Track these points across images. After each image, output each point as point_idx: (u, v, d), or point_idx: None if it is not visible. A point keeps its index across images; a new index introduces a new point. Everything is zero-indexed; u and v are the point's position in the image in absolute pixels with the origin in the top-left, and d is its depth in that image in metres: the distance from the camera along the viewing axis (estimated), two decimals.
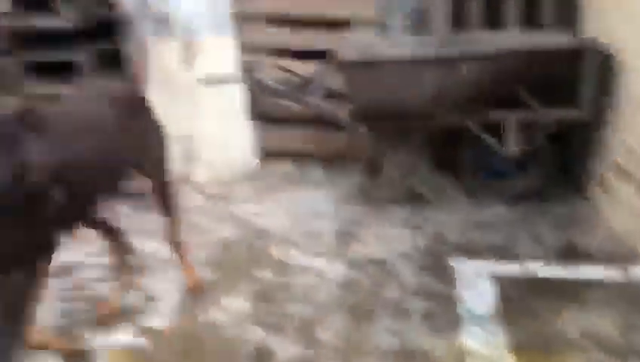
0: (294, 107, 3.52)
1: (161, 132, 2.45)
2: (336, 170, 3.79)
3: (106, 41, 3.74)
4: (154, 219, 2.67)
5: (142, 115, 2.36)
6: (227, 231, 3.16)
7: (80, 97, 2.41)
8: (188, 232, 2.82)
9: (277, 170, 3.85)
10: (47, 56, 3.75)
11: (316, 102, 3.36)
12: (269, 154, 3.91)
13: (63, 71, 3.71)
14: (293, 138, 3.91)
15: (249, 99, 3.77)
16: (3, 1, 3.73)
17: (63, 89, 3.64)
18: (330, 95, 3.45)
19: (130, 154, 2.24)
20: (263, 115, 3.85)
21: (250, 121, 3.85)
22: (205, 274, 2.70)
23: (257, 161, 3.90)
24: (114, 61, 3.73)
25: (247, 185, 3.68)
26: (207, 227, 3.20)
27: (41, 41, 3.75)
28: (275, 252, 2.91)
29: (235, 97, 3.71)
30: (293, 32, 3.77)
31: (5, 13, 3.74)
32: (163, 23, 3.47)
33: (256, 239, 3.06)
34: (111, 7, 3.67)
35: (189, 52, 3.51)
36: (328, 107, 3.38)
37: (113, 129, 2.11)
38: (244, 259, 2.88)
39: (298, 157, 3.89)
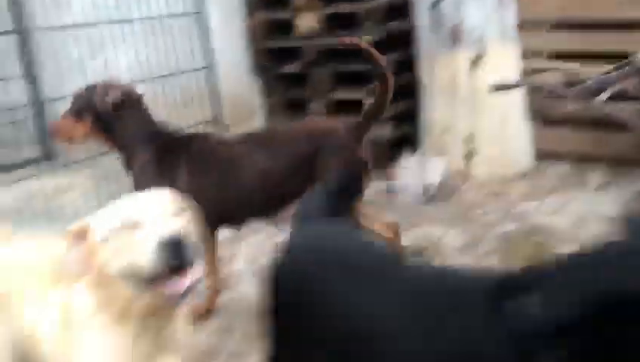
0: (576, 109, 3.59)
1: (346, 167, 2.52)
2: (619, 173, 3.74)
3: (400, 51, 4.25)
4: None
5: (315, 153, 2.51)
6: (508, 226, 3.38)
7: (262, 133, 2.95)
8: (470, 225, 3.17)
9: (555, 171, 3.95)
10: (349, 66, 4.40)
11: (602, 105, 3.38)
12: (547, 155, 4.02)
13: (362, 79, 4.32)
14: (572, 139, 3.95)
15: (529, 101, 3.94)
16: (315, 21, 4.48)
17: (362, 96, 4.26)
18: (619, 97, 3.43)
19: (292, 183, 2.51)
20: (542, 116, 3.98)
21: (529, 122, 4.01)
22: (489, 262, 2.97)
23: (535, 160, 4.04)
24: (406, 70, 4.23)
25: (525, 184, 3.86)
26: (488, 222, 3.47)
27: (345, 54, 4.41)
28: (561, 250, 3.05)
29: (516, 99, 3.90)
30: (580, 35, 3.82)
31: (317, 31, 4.49)
32: (453, 34, 3.82)
33: (538, 235, 3.23)
34: (406, 20, 4.16)
35: (476, 60, 3.81)
36: (615, 110, 3.38)
37: (269, 159, 2.53)
38: (529, 253, 3.09)
39: (576, 158, 3.93)
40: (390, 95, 2.58)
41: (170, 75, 4.43)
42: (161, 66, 4.51)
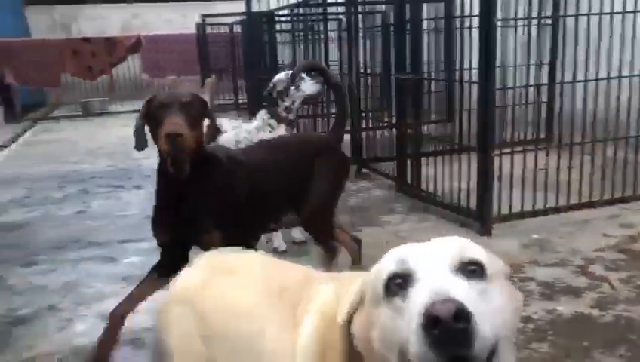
0: None
1: (331, 182, 2.83)
2: None
3: None
4: None
5: (308, 163, 2.78)
6: None
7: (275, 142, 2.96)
8: None
9: None
10: None
11: None
12: None
13: None
14: None
15: None
16: None
17: None
18: None
19: (287, 190, 2.72)
20: None
21: None
22: None
23: None
24: None
25: None
26: None
27: None
28: None
29: None
30: None
31: None
32: None
33: None
34: None
35: None
36: None
37: (274, 168, 2.66)
38: None
39: None
40: (347, 107, 3.18)
41: None
42: None
